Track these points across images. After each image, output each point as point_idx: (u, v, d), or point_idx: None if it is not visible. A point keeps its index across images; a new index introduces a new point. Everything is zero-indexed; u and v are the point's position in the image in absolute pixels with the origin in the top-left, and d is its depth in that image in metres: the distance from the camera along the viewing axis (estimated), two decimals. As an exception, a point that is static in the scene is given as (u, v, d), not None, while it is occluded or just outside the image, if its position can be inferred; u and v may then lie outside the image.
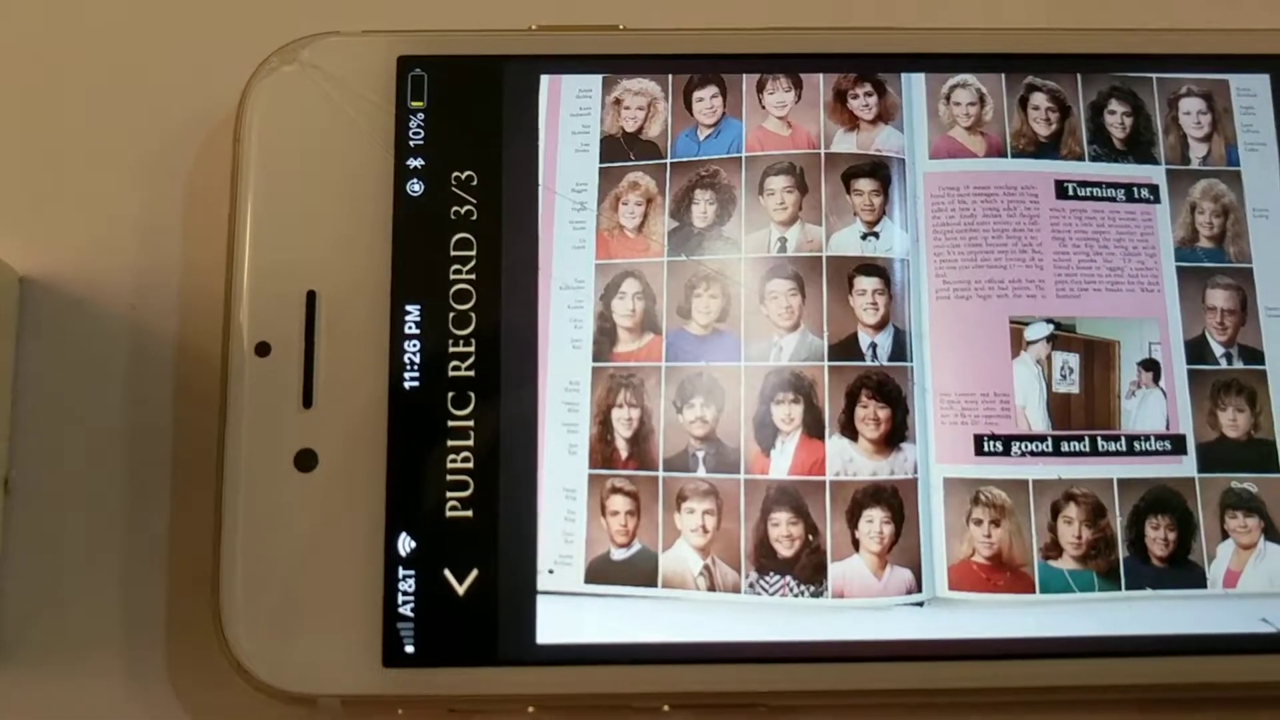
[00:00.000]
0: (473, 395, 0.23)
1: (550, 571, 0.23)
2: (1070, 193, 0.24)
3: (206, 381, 0.24)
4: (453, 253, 0.24)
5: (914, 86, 0.25)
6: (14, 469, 0.24)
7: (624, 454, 0.23)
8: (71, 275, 0.25)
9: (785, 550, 0.23)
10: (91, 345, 0.25)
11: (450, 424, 0.23)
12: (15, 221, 0.25)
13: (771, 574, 0.23)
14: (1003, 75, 0.25)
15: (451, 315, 0.24)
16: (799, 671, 0.23)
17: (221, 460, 0.23)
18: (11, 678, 0.24)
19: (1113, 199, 0.24)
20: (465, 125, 0.24)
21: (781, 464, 0.23)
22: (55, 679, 0.24)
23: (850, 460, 0.23)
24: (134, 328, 0.25)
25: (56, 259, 0.25)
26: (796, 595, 0.23)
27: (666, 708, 0.23)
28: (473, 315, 0.24)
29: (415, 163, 0.24)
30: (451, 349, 0.24)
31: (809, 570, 0.23)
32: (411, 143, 0.24)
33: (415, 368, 0.24)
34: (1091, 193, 0.24)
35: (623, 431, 0.23)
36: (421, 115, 0.24)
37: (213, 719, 0.24)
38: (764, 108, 0.25)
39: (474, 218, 0.24)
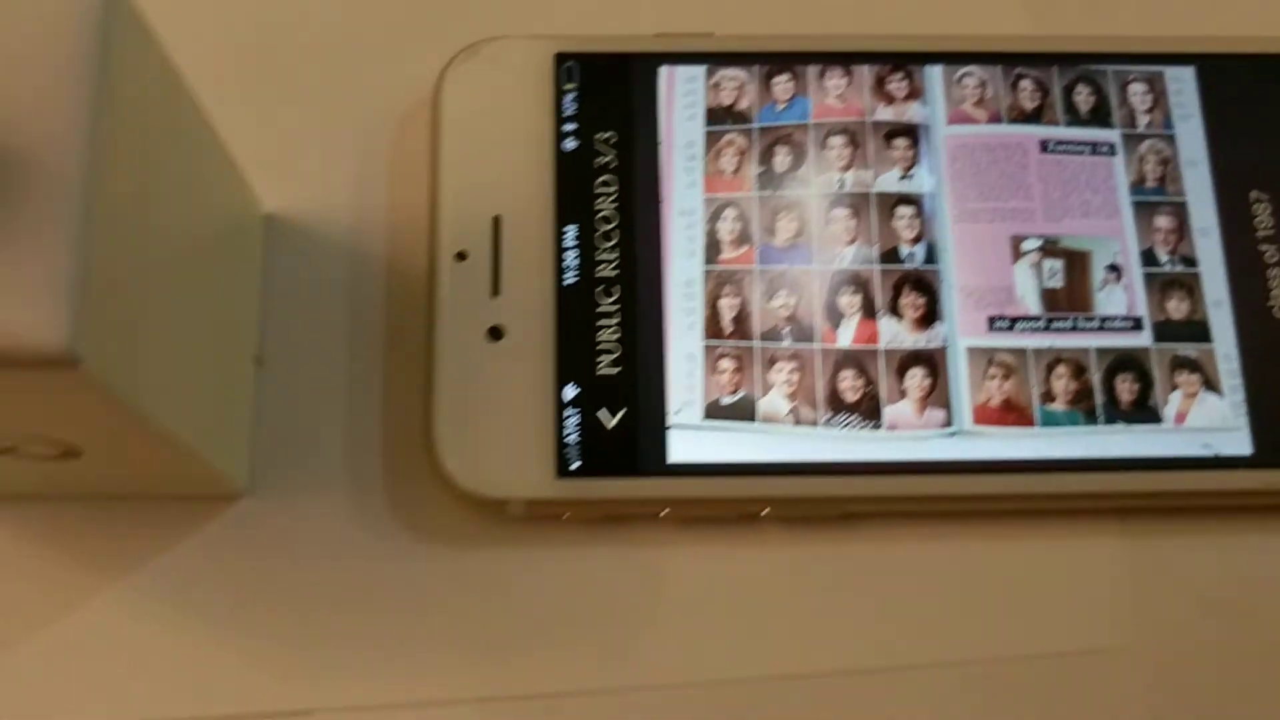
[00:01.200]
0: (616, 289, 0.32)
1: (677, 412, 0.31)
2: (1050, 149, 0.33)
3: (412, 282, 0.33)
4: (597, 190, 0.33)
5: (933, 74, 0.34)
6: (264, 348, 0.33)
7: (729, 330, 0.32)
8: (305, 210, 0.34)
9: (851, 397, 0.31)
10: (320, 261, 0.33)
11: (599, 309, 0.32)
12: (263, 167, 0.33)
13: (841, 413, 0.31)
14: (999, 66, 0.34)
15: (597, 233, 0.32)
16: (861, 481, 0.31)
17: (432, 334, 0.31)
18: (259, 504, 0.32)
19: (1081, 153, 0.33)
20: (605, 101, 0.33)
21: (846, 336, 0.32)
22: (295, 503, 0.32)
23: (896, 334, 0.32)
24: (353, 248, 0.34)
25: (294, 197, 0.34)
26: (860, 428, 0.31)
27: (765, 511, 0.31)
28: (614, 233, 0.32)
29: (568, 127, 0.33)
30: (599, 256, 0.32)
31: (868, 411, 0.31)
32: (565, 112, 0.33)
33: (573, 270, 0.32)
34: (1066, 148, 0.33)
35: (727, 314, 0.32)
36: (573, 93, 0.33)
37: (423, 529, 0.32)
38: (825, 89, 0.34)
39: (613, 165, 0.33)
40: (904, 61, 0.34)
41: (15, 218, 0.22)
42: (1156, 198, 0.33)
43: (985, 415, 0.31)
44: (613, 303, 0.32)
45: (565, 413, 0.31)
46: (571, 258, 0.32)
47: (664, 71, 0.34)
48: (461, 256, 0.32)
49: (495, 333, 0.31)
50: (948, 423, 0.31)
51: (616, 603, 0.31)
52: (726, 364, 0.31)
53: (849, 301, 0.32)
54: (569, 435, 0.31)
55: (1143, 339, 0.32)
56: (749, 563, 0.31)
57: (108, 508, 0.31)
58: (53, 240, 0.22)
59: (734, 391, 0.31)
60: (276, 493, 0.32)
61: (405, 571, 0.31)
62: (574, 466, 0.31)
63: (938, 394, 0.31)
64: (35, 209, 0.22)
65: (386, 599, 0.31)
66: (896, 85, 0.34)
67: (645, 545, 0.31)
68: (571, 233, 0.32)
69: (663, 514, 0.31)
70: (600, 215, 0.32)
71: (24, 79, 0.23)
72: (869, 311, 0.32)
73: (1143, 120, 0.34)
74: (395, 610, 0.31)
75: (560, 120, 0.33)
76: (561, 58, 0.34)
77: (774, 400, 0.31)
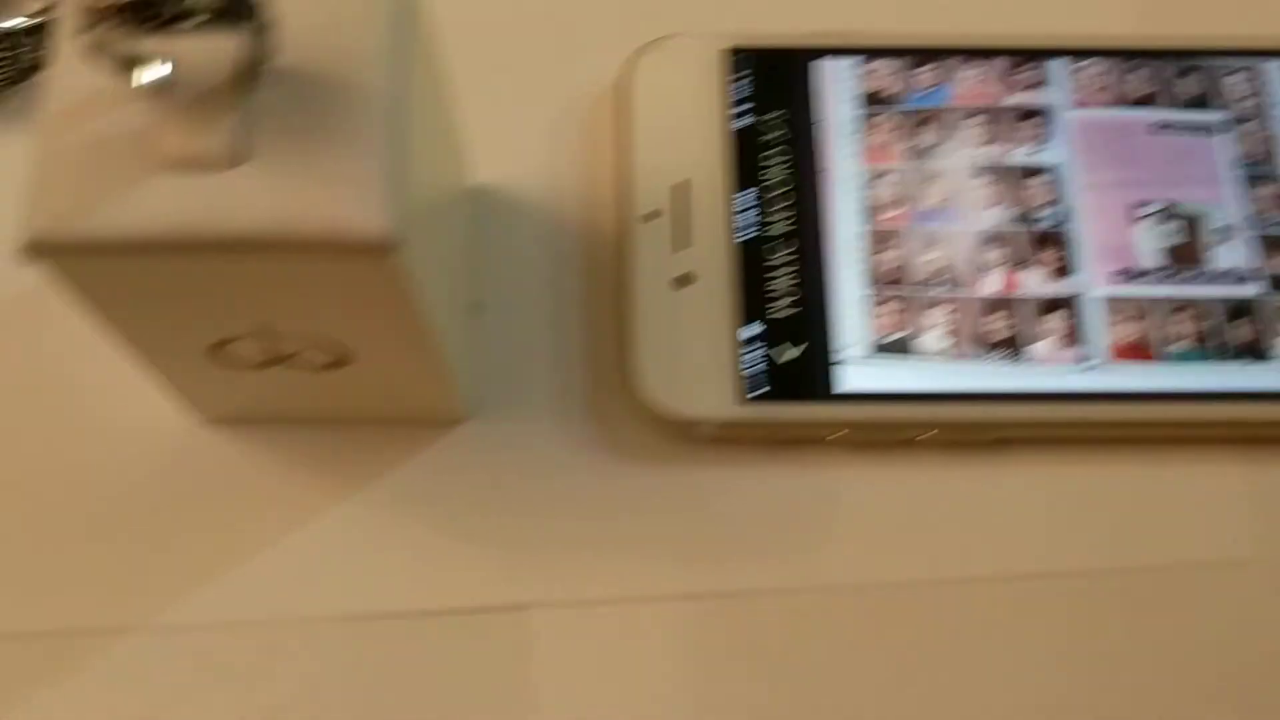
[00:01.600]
0: (788, 243, 0.36)
1: (847, 347, 0.35)
2: (1162, 129, 0.38)
3: (605, 239, 0.37)
4: (767, 161, 0.37)
5: (1057, 66, 0.39)
6: (483, 295, 0.37)
7: (889, 278, 0.36)
8: (508, 178, 0.39)
9: (1000, 336, 0.35)
10: (523, 223, 0.38)
11: (775, 259, 0.36)
12: (476, 140, 0.38)
13: (992, 350, 0.35)
14: (1114, 59, 0.39)
15: (771, 195, 0.37)
16: (1011, 408, 0.35)
17: (628, 280, 0.36)
18: (479, 428, 0.36)
19: (1190, 133, 0.38)
20: (771, 86, 0.38)
21: (993, 285, 0.36)
22: (511, 428, 0.36)
23: (1036, 284, 0.36)
24: (550, 212, 0.38)
25: (497, 169, 0.38)
26: (1009, 363, 0.35)
27: (925, 435, 0.35)
28: (784, 197, 0.37)
29: (740, 108, 0.38)
30: (772, 216, 0.37)
31: (1015, 348, 0.35)
32: (736, 95, 0.38)
33: (751, 227, 0.37)
34: (1176, 129, 0.38)
35: (887, 265, 0.36)
36: (744, 80, 0.38)
37: (622, 451, 0.36)
38: (963, 78, 0.38)
39: (780, 140, 0.38)
40: (1031, 55, 0.39)
41: (339, 122, 0.26)
42: (1258, 170, 0.37)
43: (1119, 352, 0.35)
44: (786, 255, 0.36)
45: (747, 348, 0.35)
46: (748, 217, 0.37)
47: (822, 62, 0.38)
48: (651, 215, 0.37)
49: (683, 280, 0.36)
50: (1085, 358, 0.35)
51: (795, 515, 0.35)
52: (889, 307, 0.36)
53: (993, 255, 0.36)
54: (751, 367, 0.35)
55: (1253, 290, 0.36)
56: (909, 482, 0.35)
57: (346, 431, 0.36)
58: (371, 141, 0.26)
59: (896, 330, 0.35)
60: (493, 419, 0.36)
61: (608, 486, 0.35)
62: (757, 392, 0.35)
63: (1076, 334, 0.35)
64: (355, 114, 0.27)
65: (592, 510, 0.35)
66: (1025, 75, 0.38)
67: (818, 466, 0.35)
68: (747, 196, 0.37)
69: (833, 437, 0.35)
70: (771, 182, 0.37)
71: (343, 8, 0.27)
72: (1012, 264, 0.36)
73: (1242, 106, 0.38)
74: (600, 519, 0.35)
75: (733, 103, 0.38)
76: (733, 51, 0.39)
77: (932, 338, 0.35)
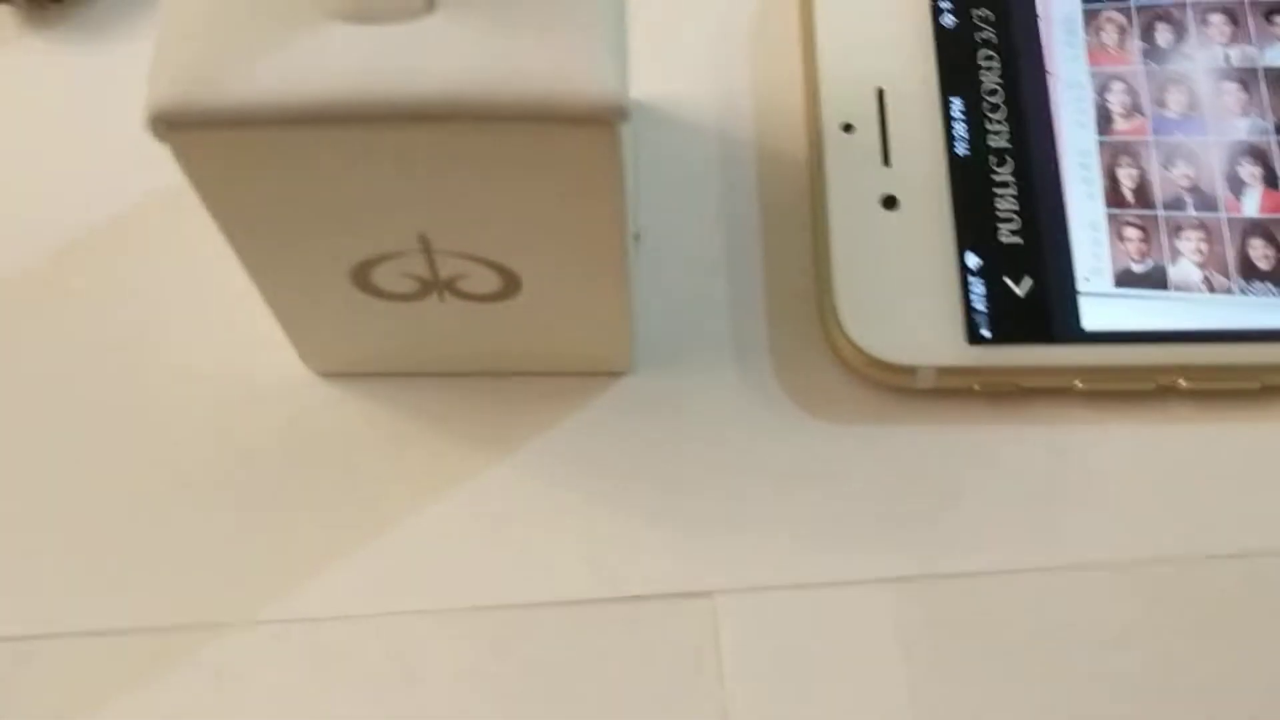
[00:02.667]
0: (1010, 159, 0.31)
1: (1087, 279, 0.30)
2: None
3: (788, 158, 0.32)
4: (980, 63, 0.32)
5: (1305, -43, 0.33)
6: (643, 226, 0.31)
7: (1130, 199, 0.30)
8: (671, 93, 0.33)
9: (1264, 265, 0.30)
10: (689, 142, 0.32)
11: (994, 177, 0.31)
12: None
13: (1254, 281, 0.30)
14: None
15: (984, 104, 0.31)
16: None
17: (824, 203, 0.30)
18: (644, 381, 0.30)
19: None
20: (977, -20, 0.33)
21: (1251, 206, 0.30)
22: (681, 380, 0.30)
23: (1303, 203, 0.30)
24: (721, 129, 0.33)
25: (660, 82, 0.33)
26: (1275, 296, 0.30)
27: (1181, 382, 0.29)
28: (1003, 105, 0.31)
29: (945, 4, 0.32)
30: (988, 128, 0.31)
31: (1283, 279, 0.30)
32: (939, -9, 0.33)
33: (963, 140, 0.31)
34: None
35: (1127, 184, 0.31)
36: (944, -27, 0.33)
37: (815, 401, 0.30)
38: (1198, -31, 0.33)
39: (993, 40, 0.32)
40: (1274, -56, 0.33)
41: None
42: None
43: (1406, 283, 0.30)
44: (1007, 173, 0.31)
45: (970, 280, 0.30)
46: (960, 129, 0.31)
47: (1034, -49, 0.33)
48: (848, 128, 0.31)
49: (889, 202, 0.30)
50: (1368, 290, 0.30)
51: (1030, 481, 0.29)
52: (1131, 232, 0.30)
53: (1250, 172, 0.31)
54: (977, 303, 0.29)
55: None
56: (1163, 439, 0.30)
57: (490, 386, 0.30)
58: (603, 15, 0.21)
59: (1142, 259, 0.30)
60: (662, 370, 0.30)
61: (801, 448, 0.30)
62: (985, 334, 0.29)
63: (1353, 262, 0.30)
64: None
65: (783, 477, 0.29)
66: (1270, -34, 0.33)
67: (1054, 420, 0.30)
68: (958, 104, 0.31)
69: (1076, 385, 0.29)
70: (985, 88, 0.31)
71: None
72: (1272, 182, 0.31)
73: None
74: (793, 488, 0.29)
75: None
76: None
77: (1184, 268, 0.30)
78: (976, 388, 0.30)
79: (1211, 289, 0.30)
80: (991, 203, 0.30)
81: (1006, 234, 0.30)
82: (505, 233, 0.24)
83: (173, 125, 0.21)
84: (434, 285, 0.26)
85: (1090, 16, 0.32)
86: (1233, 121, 0.31)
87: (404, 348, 0.29)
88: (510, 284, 0.26)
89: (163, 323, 0.31)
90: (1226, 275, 0.30)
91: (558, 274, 0.26)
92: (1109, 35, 0.32)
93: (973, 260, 0.30)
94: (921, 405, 0.30)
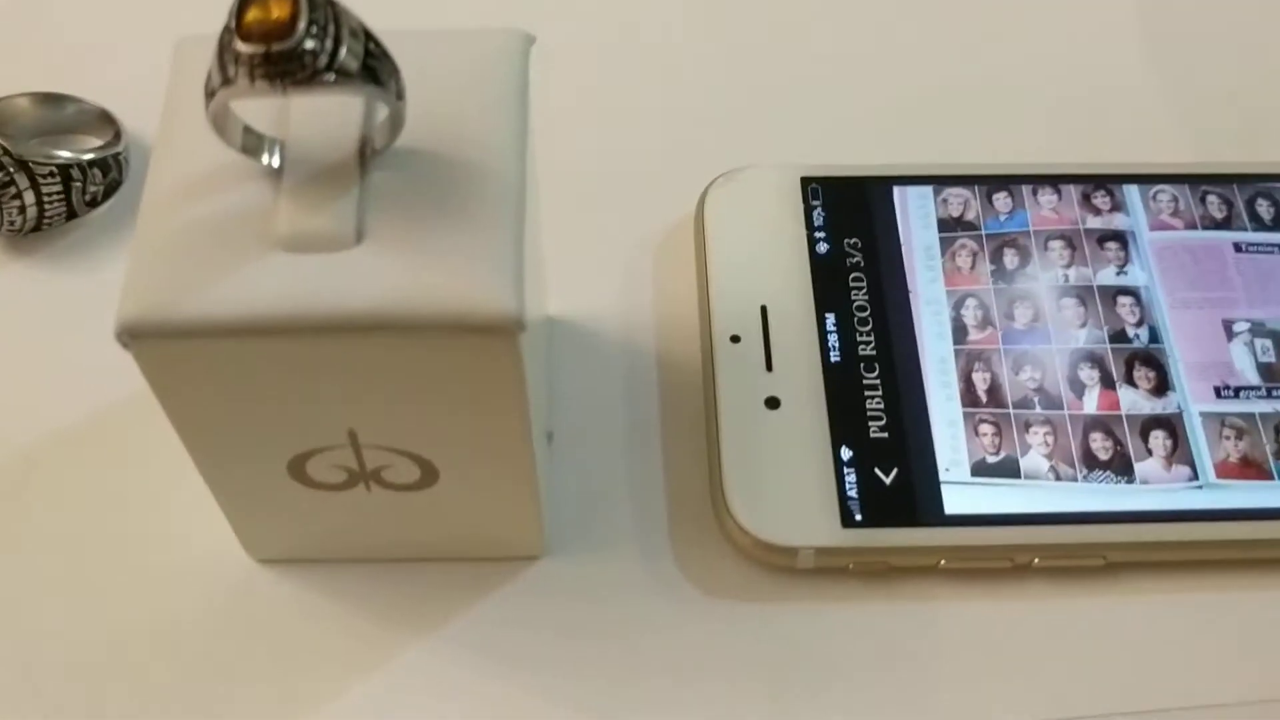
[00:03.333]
0: (878, 365, 0.35)
1: (947, 469, 0.34)
2: (1244, 249, 0.37)
3: (684, 364, 0.36)
4: (851, 284, 0.36)
5: (1131, 192, 0.38)
6: (555, 425, 0.35)
7: (984, 399, 0.35)
8: (581, 309, 0.37)
9: (1103, 456, 0.34)
10: (597, 352, 0.37)
11: (865, 381, 0.35)
12: (547, 272, 0.37)
13: (1096, 470, 0.34)
14: (1185, 185, 0.38)
15: (855, 319, 0.36)
16: (1121, 529, 0.33)
17: (715, 404, 0.34)
18: (555, 566, 0.34)
19: (1273, 252, 0.37)
20: (848, 213, 0.37)
21: (1091, 404, 0.35)
22: (588, 565, 0.34)
23: (1135, 402, 0.35)
24: (625, 340, 0.37)
25: (571, 299, 0.37)
26: (1114, 483, 0.34)
27: (1036, 560, 0.33)
28: (870, 319, 0.36)
29: (819, 234, 0.37)
30: (859, 339, 0.35)
31: (1120, 468, 0.34)
32: (815, 223, 0.37)
33: (836, 350, 0.35)
34: (1258, 249, 0.37)
35: (981, 386, 0.35)
36: (819, 208, 0.37)
37: (709, 582, 0.33)
38: (1039, 203, 0.38)
39: (862, 265, 0.37)
40: (1104, 181, 0.38)
41: (461, 202, 0.26)
42: (1344, 289, 0.37)
43: (1226, 470, 0.34)
44: (875, 377, 0.35)
45: (844, 470, 0.33)
46: (834, 340, 0.35)
47: (896, 190, 0.38)
48: (735, 339, 0.35)
49: (772, 402, 0.34)
50: (1193, 477, 0.34)
51: (900, 651, 0.33)
52: (986, 428, 0.34)
53: (1088, 375, 0.35)
54: (850, 490, 0.33)
55: (1356, 405, 0.35)
56: (1020, 612, 0.33)
57: (410, 571, 0.33)
58: (495, 221, 0.26)
59: (996, 451, 0.34)
60: (572, 555, 0.34)
61: (698, 628, 0.33)
62: (858, 517, 0.33)
63: (1180, 452, 0.34)
64: (477, 195, 0.26)
65: (682, 658, 0.32)
66: (1100, 200, 0.38)
67: (925, 598, 0.33)
68: (831, 319, 0.36)
69: (941, 563, 0.33)
70: (856, 304, 0.36)
71: (474, 100, 0.27)
72: (1108, 383, 0.35)
73: (1320, 227, 0.38)
74: (691, 669, 0.32)
75: (811, 229, 0.37)
76: (806, 180, 0.38)
77: (1034, 459, 0.34)
78: (851, 567, 0.33)
79: (1058, 477, 0.34)
80: (862, 403, 0.34)
81: (876, 430, 0.34)
82: (424, 429, 0.28)
83: (136, 336, 0.25)
84: (361, 476, 0.29)
85: (946, 244, 0.37)
86: (1073, 331, 0.36)
87: (334, 535, 0.32)
88: (429, 474, 0.29)
89: (118, 517, 0.34)
90: (1071, 464, 0.34)
91: (472, 467, 0.29)
92: (963, 259, 0.37)
93: (846, 453, 0.34)
94: (803, 584, 0.33)
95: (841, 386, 0.35)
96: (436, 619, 0.33)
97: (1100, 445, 0.34)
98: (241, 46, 0.23)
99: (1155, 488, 0.34)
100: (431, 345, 0.25)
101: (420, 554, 0.33)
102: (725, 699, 0.32)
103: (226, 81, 0.23)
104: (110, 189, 0.38)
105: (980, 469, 0.34)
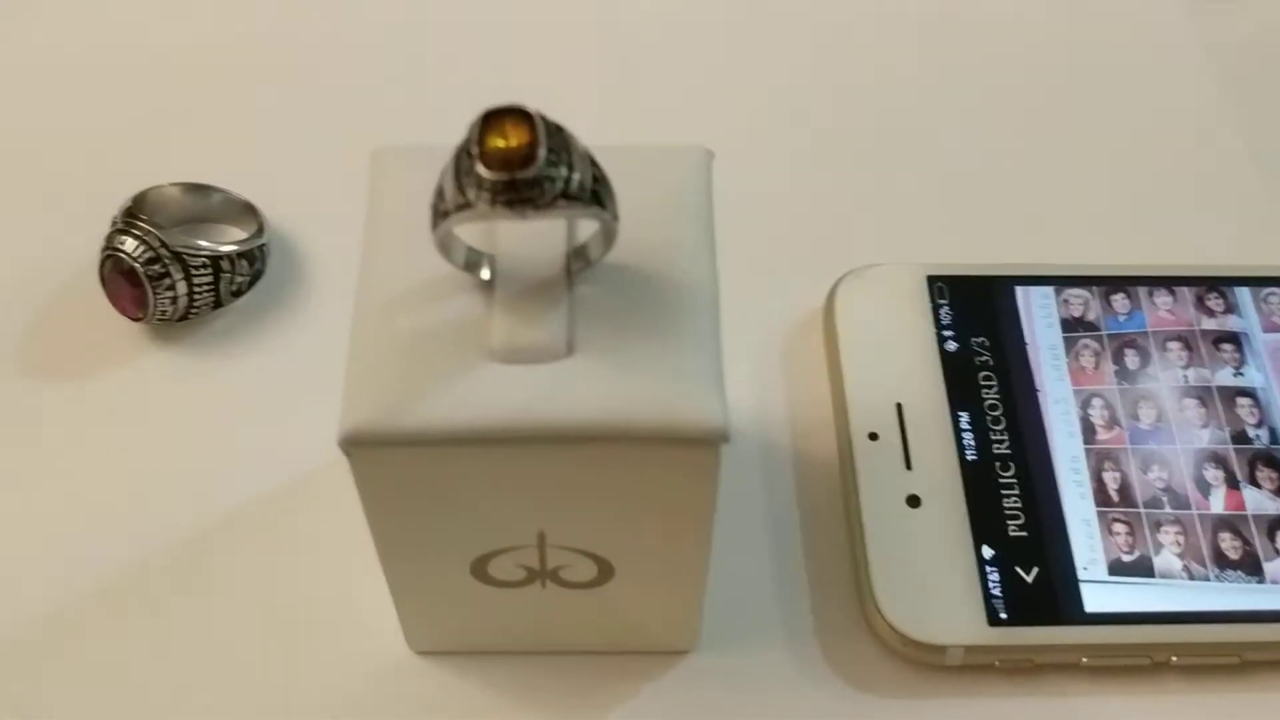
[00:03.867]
0: (1012, 464, 0.36)
1: (1085, 568, 0.35)
2: (1355, 352, 0.39)
3: (821, 462, 0.37)
4: (981, 382, 0.37)
5: (1243, 294, 0.39)
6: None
7: (1116, 498, 0.36)
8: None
9: (1233, 556, 0.35)
10: (734, 446, 0.37)
11: (1000, 480, 0.36)
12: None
13: (1227, 570, 0.35)
14: (1296, 288, 0.40)
15: (987, 417, 0.37)
16: (1255, 629, 0.34)
17: (857, 501, 0.35)
18: (705, 659, 0.34)
19: (1383, 356, 0.39)
20: (974, 312, 0.39)
21: (1217, 504, 0.36)
22: (738, 658, 0.34)
23: (1260, 502, 0.36)
24: (761, 439, 0.38)
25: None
26: (1246, 583, 0.35)
27: (1174, 658, 0.34)
28: (1002, 418, 0.37)
29: (947, 332, 0.38)
30: (992, 437, 0.36)
31: (1250, 568, 0.35)
32: (943, 321, 0.38)
33: (972, 448, 0.36)
34: (1369, 352, 0.39)
35: (1112, 485, 0.36)
36: (946, 307, 0.39)
37: (856, 676, 0.34)
38: (1155, 304, 0.39)
39: (990, 363, 0.38)
40: (1216, 284, 0.40)
41: (666, 315, 0.27)
42: None
43: (1353, 570, 0.35)
44: (1011, 476, 0.36)
45: (987, 569, 0.34)
46: (969, 438, 0.36)
47: (1019, 290, 0.39)
48: (873, 437, 0.36)
49: (913, 500, 0.35)
50: (1322, 577, 0.35)
51: (1046, 745, 0.33)
52: (1120, 527, 0.35)
53: (1213, 475, 0.36)
54: (994, 589, 0.34)
55: None
56: (1159, 709, 0.34)
57: (564, 664, 0.34)
58: (700, 335, 0.27)
59: (1130, 550, 0.35)
60: (718, 651, 0.34)
61: (847, 719, 0.34)
62: (1003, 615, 0.34)
63: (1308, 553, 0.35)
64: (682, 308, 0.27)
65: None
66: (1214, 302, 0.39)
67: (1067, 694, 0.34)
68: (965, 417, 0.37)
69: (1082, 661, 0.34)
70: (988, 403, 0.37)
71: (665, 215, 0.28)
72: (1232, 483, 0.36)
73: None
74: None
75: (940, 327, 0.38)
76: (932, 279, 0.39)
77: (1167, 558, 0.35)
78: (997, 664, 0.34)
79: (1191, 576, 0.35)
80: (1000, 501, 0.35)
81: (1015, 529, 0.35)
82: (612, 531, 0.29)
83: (358, 444, 0.26)
84: (540, 574, 0.30)
85: (1070, 343, 0.38)
86: (1195, 431, 0.37)
87: (497, 628, 0.33)
88: (605, 573, 0.30)
89: (270, 602, 0.35)
90: (1203, 564, 0.35)
91: (648, 565, 0.30)
92: (1087, 359, 0.38)
93: (988, 551, 0.35)
94: (949, 680, 0.34)
95: (979, 485, 0.36)
96: (590, 711, 0.34)
97: (1229, 545, 0.35)
98: (484, 172, 0.24)
99: (1285, 587, 0.35)
100: (639, 454, 0.26)
101: (576, 647, 0.34)
102: (877, 793, 0.33)
103: (465, 205, 0.24)
104: (254, 279, 0.39)
105: (1117, 568, 0.35)
